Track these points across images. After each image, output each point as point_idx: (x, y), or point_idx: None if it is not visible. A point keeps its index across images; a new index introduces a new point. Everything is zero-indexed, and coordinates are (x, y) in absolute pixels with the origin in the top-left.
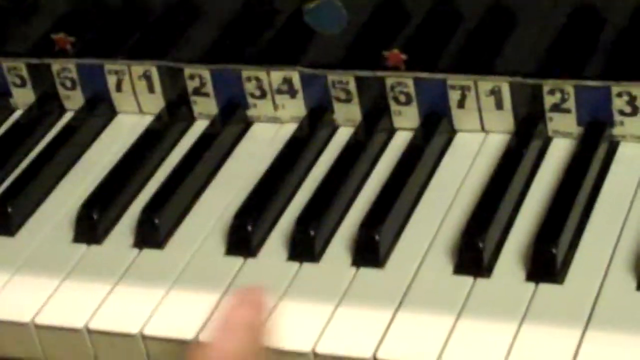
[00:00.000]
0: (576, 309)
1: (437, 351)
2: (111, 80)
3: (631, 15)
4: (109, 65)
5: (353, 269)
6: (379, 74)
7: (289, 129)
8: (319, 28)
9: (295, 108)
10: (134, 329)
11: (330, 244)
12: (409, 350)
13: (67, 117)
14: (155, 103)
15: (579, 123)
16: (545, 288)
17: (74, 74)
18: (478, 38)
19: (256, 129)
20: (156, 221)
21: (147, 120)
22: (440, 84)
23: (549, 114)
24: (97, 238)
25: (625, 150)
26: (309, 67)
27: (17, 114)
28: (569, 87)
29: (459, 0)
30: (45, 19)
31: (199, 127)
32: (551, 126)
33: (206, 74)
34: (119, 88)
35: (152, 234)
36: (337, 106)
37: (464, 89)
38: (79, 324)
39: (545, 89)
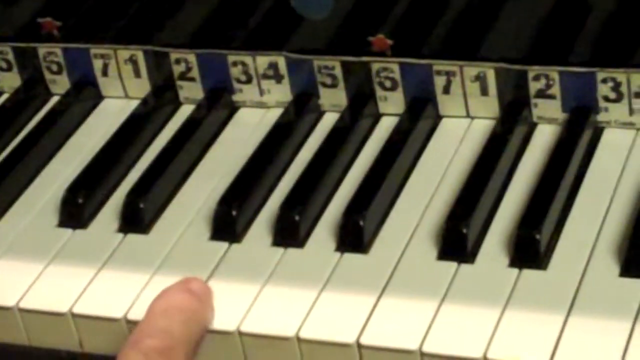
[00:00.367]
0: (559, 295)
1: (420, 336)
2: (97, 65)
3: (616, 2)
4: (95, 50)
5: (337, 255)
6: (365, 59)
7: (275, 114)
8: (305, 13)
9: (281, 93)
10: (118, 314)
11: (314, 230)
12: (393, 335)
13: (53, 101)
14: (141, 87)
15: (564, 109)
16: (529, 274)
17: (60, 58)
18: (463, 24)
19: (242, 114)
20: (141, 205)
21: (133, 104)
22: (425, 69)
23: (533, 100)
24: (83, 222)
25: (609, 137)
26: (294, 53)
27: (3, 98)
28: (554, 73)
29: None
30: (31, 3)
31: (184, 112)
32: (536, 112)
33: (192, 58)
34: (105, 72)
35: (137, 218)
36: (322, 91)
37: (449, 75)
38: (63, 308)
39: (531, 74)
